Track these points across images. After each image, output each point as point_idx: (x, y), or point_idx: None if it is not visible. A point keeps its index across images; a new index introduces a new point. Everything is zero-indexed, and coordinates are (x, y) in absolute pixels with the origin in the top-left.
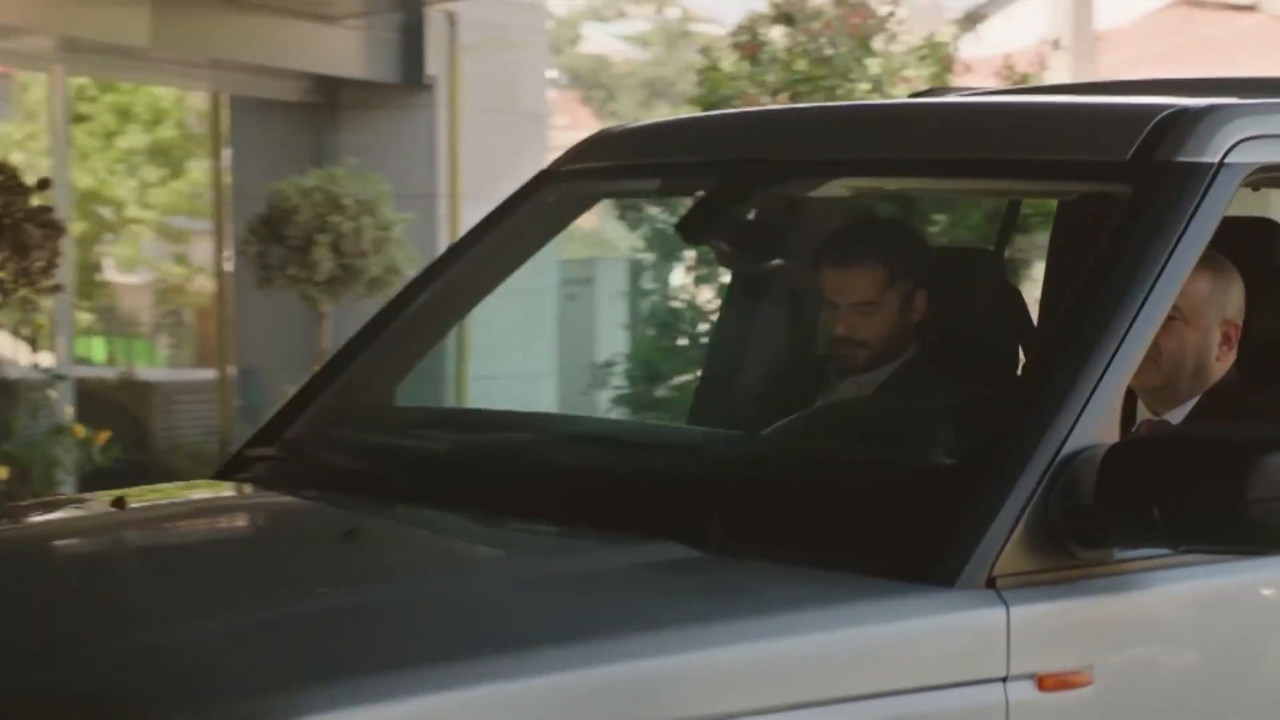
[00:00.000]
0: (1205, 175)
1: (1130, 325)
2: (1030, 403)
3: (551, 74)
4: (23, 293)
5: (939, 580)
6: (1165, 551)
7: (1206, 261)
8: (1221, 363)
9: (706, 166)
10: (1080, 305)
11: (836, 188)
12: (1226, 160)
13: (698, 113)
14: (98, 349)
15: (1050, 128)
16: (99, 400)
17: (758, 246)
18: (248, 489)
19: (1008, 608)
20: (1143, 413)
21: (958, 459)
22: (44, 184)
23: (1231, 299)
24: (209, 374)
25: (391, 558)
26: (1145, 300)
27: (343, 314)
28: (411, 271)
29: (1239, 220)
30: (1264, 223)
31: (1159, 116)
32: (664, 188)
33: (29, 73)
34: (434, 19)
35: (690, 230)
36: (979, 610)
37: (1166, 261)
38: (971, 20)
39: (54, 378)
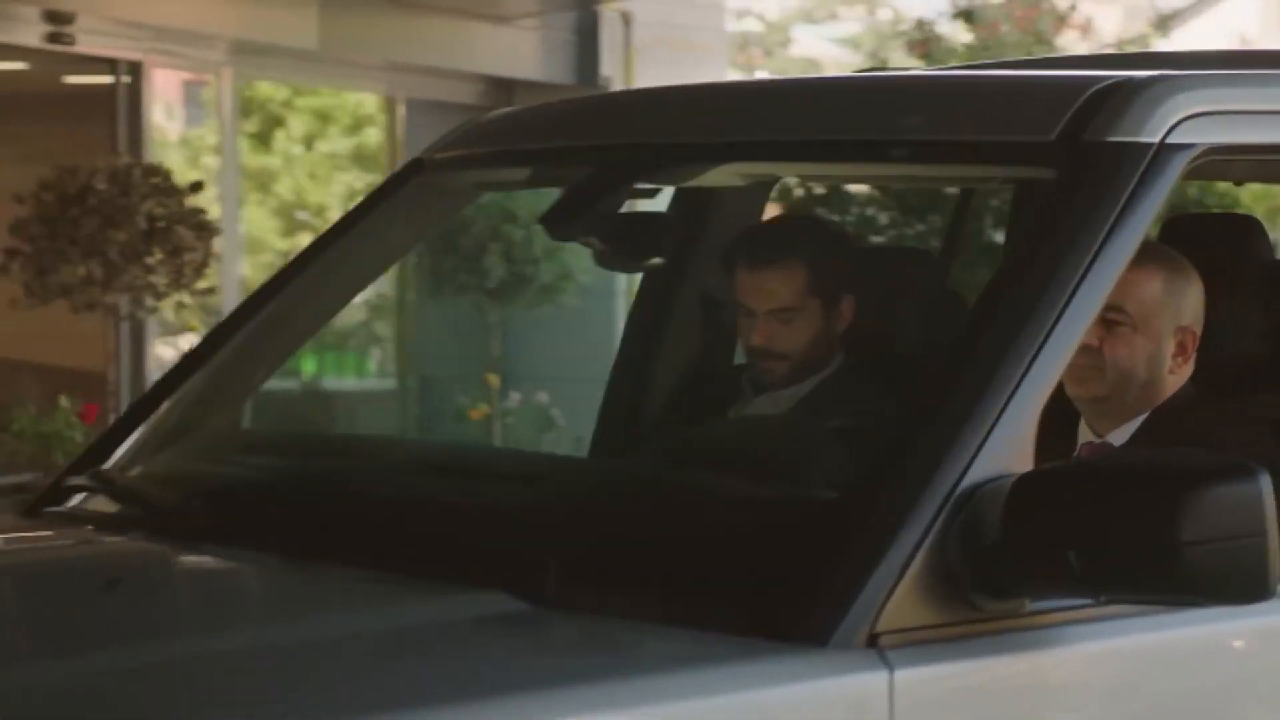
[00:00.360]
0: (1142, 157)
1: (1048, 334)
2: (925, 424)
3: (762, 75)
4: (176, 296)
5: (810, 638)
6: (1085, 602)
7: (1161, 261)
8: (1176, 375)
9: (581, 152)
10: (989, 310)
11: (724, 175)
12: (1169, 140)
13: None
14: (307, 363)
15: (969, 105)
16: (275, 410)
17: (635, 243)
18: (45, 524)
19: (891, 670)
20: (1086, 434)
21: (837, 493)
22: (197, 186)
23: (1188, 304)
24: (389, 384)
25: (152, 613)
26: (1067, 304)
27: (514, 321)
28: (584, 278)
29: (1216, 217)
30: (1242, 220)
31: (1090, 91)
32: (534, 177)
33: (201, 75)
34: (609, 19)
35: (555, 225)
36: (856, 674)
37: (1094, 258)
38: (1166, 21)
39: None
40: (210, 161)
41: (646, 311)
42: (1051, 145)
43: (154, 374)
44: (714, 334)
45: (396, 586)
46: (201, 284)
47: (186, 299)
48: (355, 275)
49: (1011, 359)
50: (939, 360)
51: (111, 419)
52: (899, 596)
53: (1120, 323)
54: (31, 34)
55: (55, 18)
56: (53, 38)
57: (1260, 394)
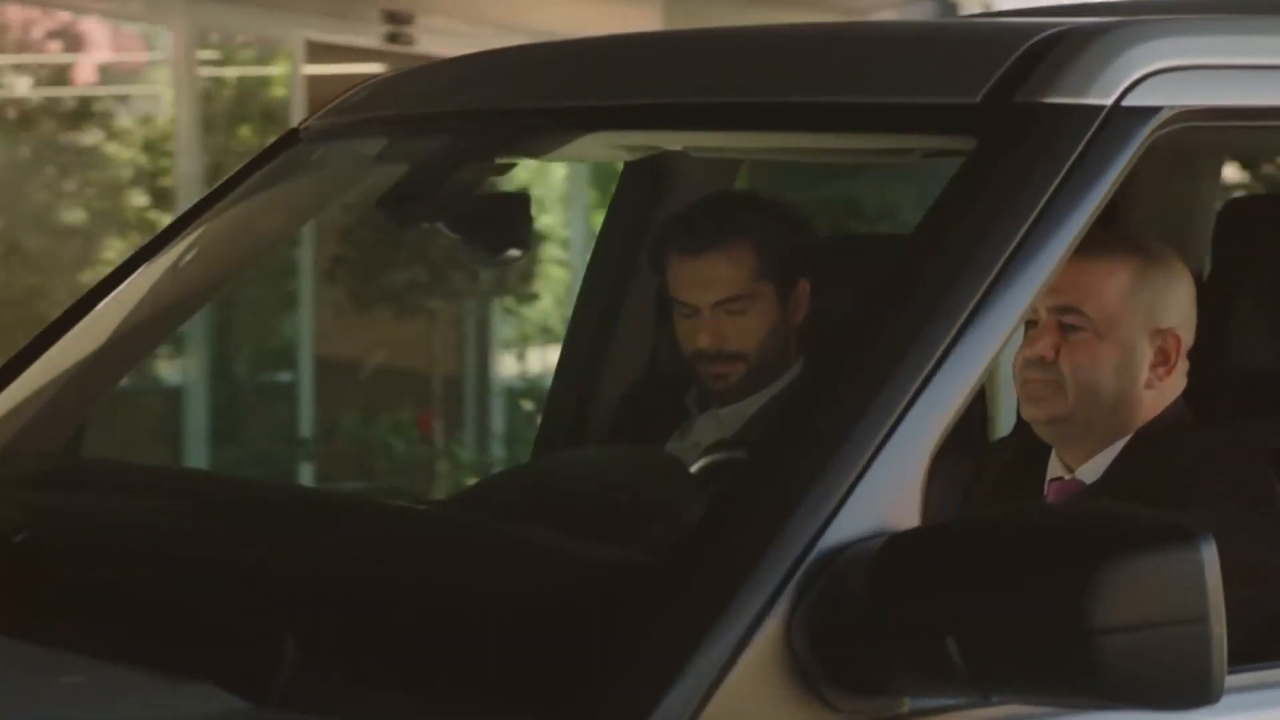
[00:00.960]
0: (1089, 123)
1: (949, 345)
2: (772, 465)
3: None
4: (502, 301)
5: None
6: (973, 702)
7: (1129, 252)
8: (1156, 390)
9: (439, 120)
10: (868, 317)
11: (592, 146)
12: (1126, 102)
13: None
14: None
15: (881, 61)
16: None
17: (490, 230)
18: None
19: None
20: (1056, 468)
21: (650, 556)
22: (522, 193)
23: (1169, 302)
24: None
25: None
26: (979, 307)
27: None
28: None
29: None
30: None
31: (1028, 43)
32: (388, 151)
33: None
34: (969, 10)
35: (395, 207)
36: None
37: (1019, 247)
38: None
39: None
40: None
41: (591, 309)
42: (976, 109)
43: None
44: (667, 337)
45: (95, 680)
46: (527, 289)
47: (512, 304)
48: (210, 268)
49: (894, 379)
50: (802, 382)
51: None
52: (728, 692)
53: (1078, 327)
54: (372, 35)
55: (394, 18)
56: (392, 38)
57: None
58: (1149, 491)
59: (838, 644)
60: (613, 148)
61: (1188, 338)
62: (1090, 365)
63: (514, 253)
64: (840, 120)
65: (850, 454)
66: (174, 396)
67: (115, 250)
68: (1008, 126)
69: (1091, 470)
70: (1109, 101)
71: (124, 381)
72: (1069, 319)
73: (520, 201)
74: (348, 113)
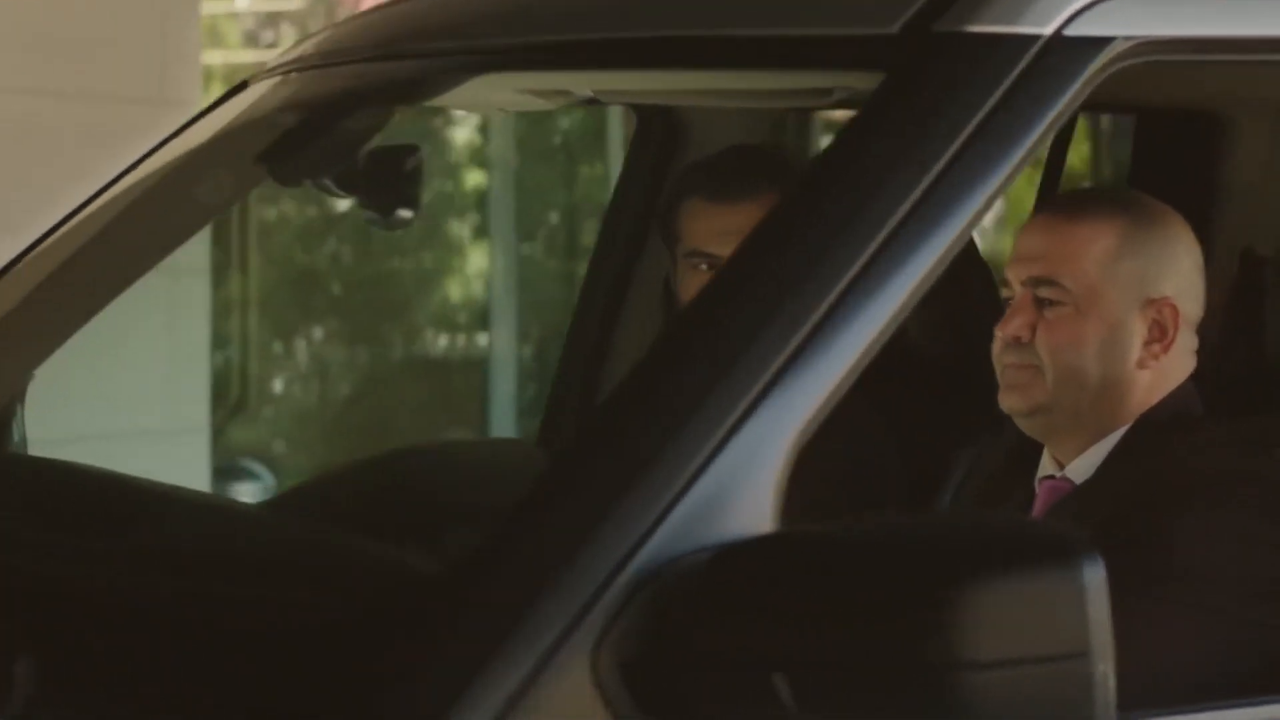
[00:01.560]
0: (1021, 55)
1: (822, 318)
2: (583, 458)
3: None
4: None
5: None
6: None
7: (1112, 210)
8: (1152, 370)
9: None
10: (728, 280)
11: (491, 91)
12: (1068, 31)
13: None
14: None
15: None
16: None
17: (382, 189)
18: None
19: None
20: (1049, 465)
21: (442, 570)
22: None
23: (1164, 267)
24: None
25: None
26: (863, 273)
27: None
28: None
29: None
30: None
31: None
32: (356, 97)
33: None
34: None
35: (279, 165)
36: None
37: (920, 201)
38: None
39: None
40: None
41: (603, 275)
42: (892, 40)
43: None
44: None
45: None
46: None
47: None
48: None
49: (745, 358)
50: (644, 361)
51: None
52: None
53: (1056, 302)
54: None
55: None
56: None
57: None
58: (1144, 494)
59: (652, 676)
60: (514, 94)
61: (1191, 308)
62: (1071, 345)
63: (404, 213)
64: (736, 56)
65: (684, 447)
66: (479, 368)
67: None
68: (923, 60)
69: (1082, 468)
70: (1047, 31)
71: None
72: (1045, 292)
73: (409, 155)
74: (303, 60)
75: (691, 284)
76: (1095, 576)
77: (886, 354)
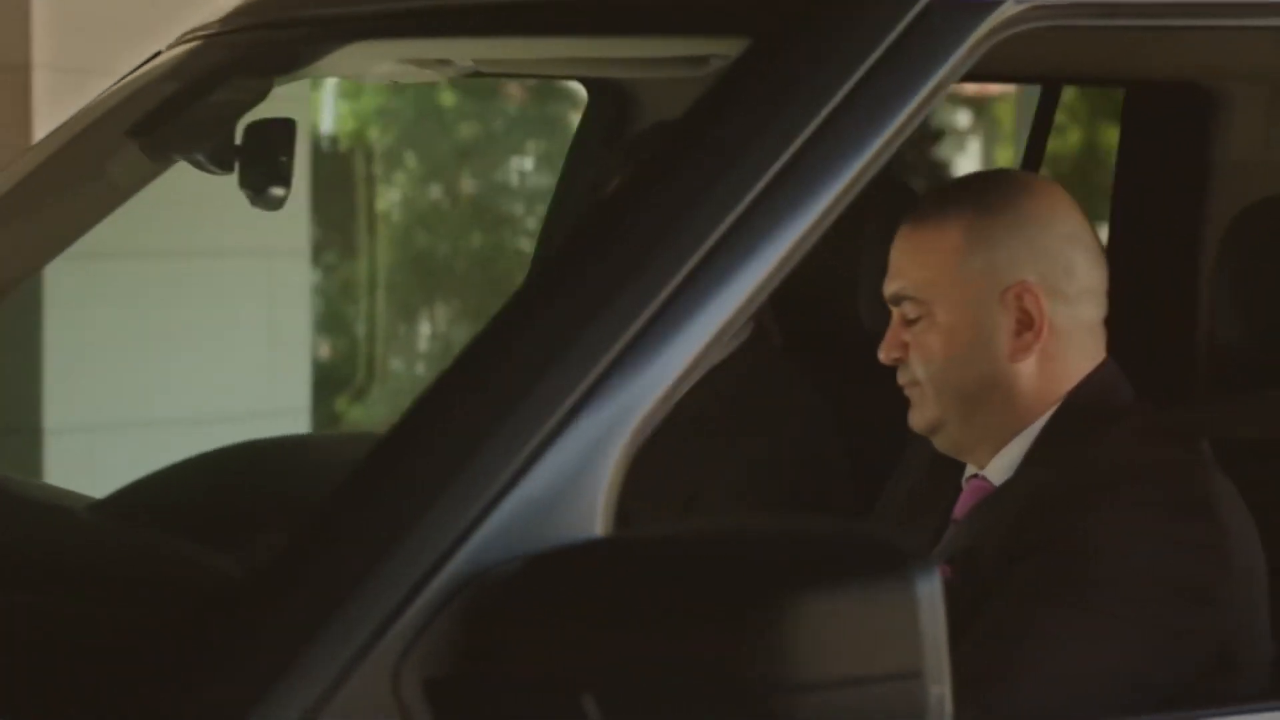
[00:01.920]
0: (897, 18)
1: (659, 310)
2: (392, 454)
3: None
4: None
5: None
6: None
7: (952, 202)
8: (1031, 361)
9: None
10: (558, 263)
11: (359, 61)
12: None
13: None
14: None
15: None
16: None
17: (256, 165)
18: None
19: None
20: (973, 464)
21: (241, 580)
22: None
23: (1017, 251)
24: None
25: None
26: (708, 258)
27: None
28: None
29: None
30: None
31: None
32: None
33: None
34: None
35: (148, 138)
36: None
37: (775, 181)
38: None
39: None
40: None
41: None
42: (748, 4)
43: None
44: None
45: None
46: None
47: None
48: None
49: (570, 352)
50: (463, 354)
51: None
52: None
53: (916, 317)
54: None
55: None
56: None
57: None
58: (1057, 492)
59: (458, 694)
60: (395, 64)
61: (1070, 285)
62: (937, 355)
63: (277, 190)
64: (605, 21)
65: (502, 447)
66: None
67: None
68: (785, 23)
69: (1001, 467)
70: None
71: None
72: (906, 309)
73: (282, 130)
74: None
75: None
76: (929, 589)
77: (836, 342)
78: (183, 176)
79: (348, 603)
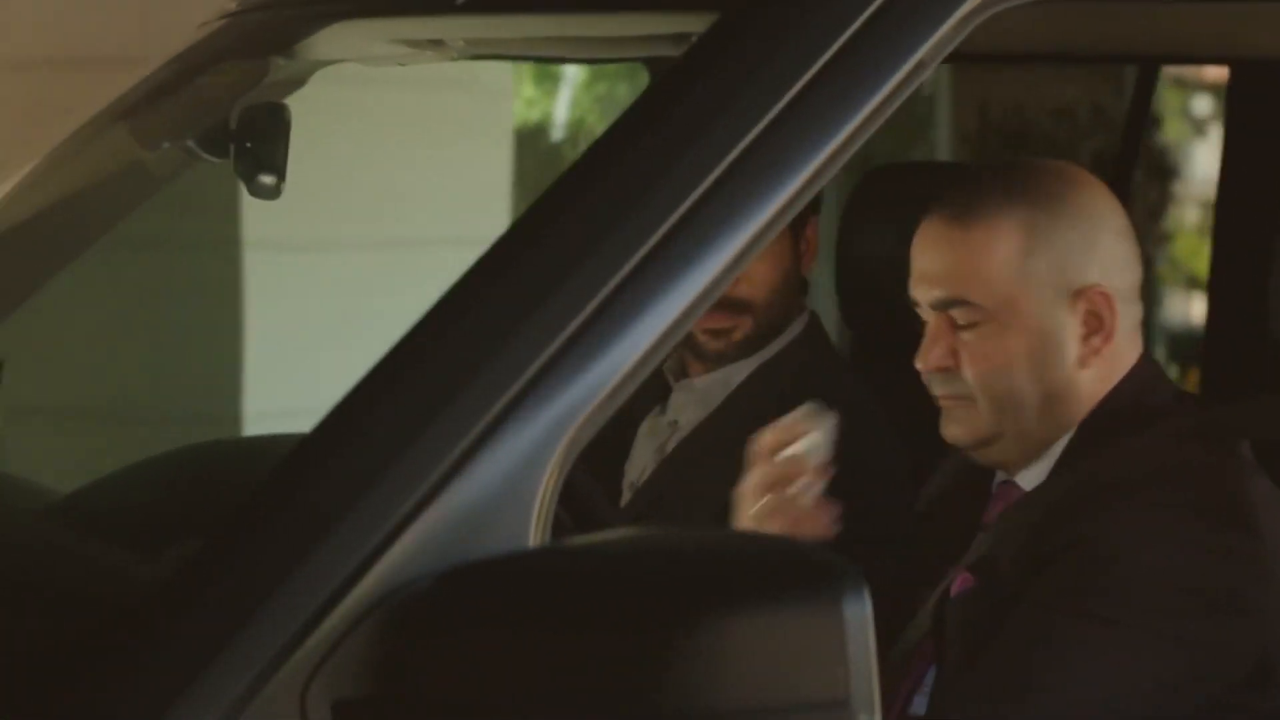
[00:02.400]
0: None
1: (601, 306)
2: (303, 464)
3: None
4: None
5: None
6: None
7: (1009, 200)
8: (1095, 367)
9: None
10: (493, 262)
11: (349, 42)
12: None
13: None
14: None
15: None
16: None
17: (247, 150)
18: None
19: None
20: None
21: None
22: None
23: (1082, 250)
24: None
25: None
26: (659, 248)
27: None
28: None
29: None
30: None
31: None
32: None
33: None
34: None
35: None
36: None
37: (737, 164)
38: None
39: None
40: None
41: None
42: None
43: None
44: None
45: None
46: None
47: None
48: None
49: (502, 354)
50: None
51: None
52: None
53: (971, 323)
54: None
55: None
56: None
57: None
58: (1086, 497)
59: (367, 717)
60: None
61: (1124, 281)
62: (1000, 367)
63: (266, 179)
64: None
65: (424, 455)
66: None
67: None
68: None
69: (1034, 473)
70: None
71: None
72: (957, 315)
73: (274, 115)
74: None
75: None
76: (859, 610)
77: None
78: (377, 167)
79: (254, 619)
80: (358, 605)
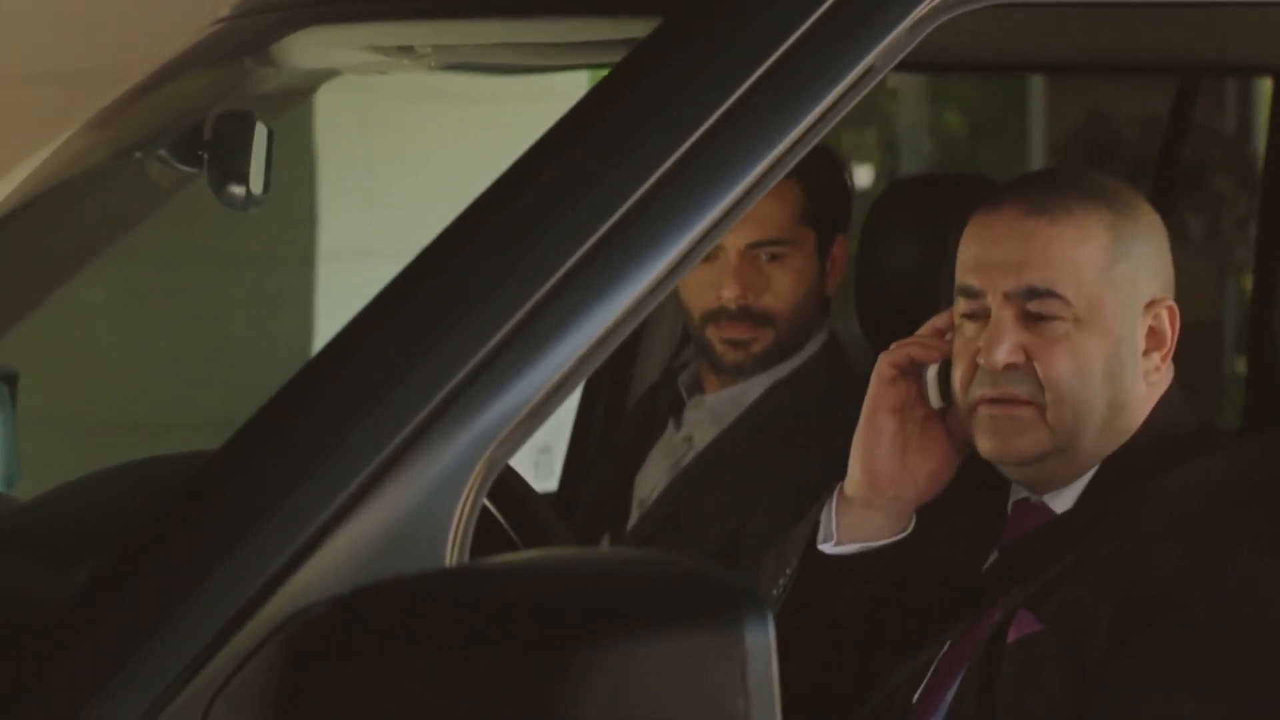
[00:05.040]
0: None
1: (527, 316)
2: (211, 480)
3: None
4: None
5: None
6: None
7: (1093, 199)
8: (1154, 385)
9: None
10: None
11: (319, 48)
12: None
13: None
14: None
15: None
16: None
17: (228, 161)
18: None
19: None
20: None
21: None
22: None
23: (1154, 262)
24: None
25: None
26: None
27: None
28: None
29: None
30: None
31: None
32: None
33: None
34: None
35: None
36: None
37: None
38: None
39: None
40: None
41: None
42: None
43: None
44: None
45: None
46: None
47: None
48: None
49: (419, 365)
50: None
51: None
52: None
53: (1053, 316)
54: None
55: None
56: None
57: None
58: (1133, 527)
59: None
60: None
61: (1169, 298)
62: (1078, 370)
63: (236, 189)
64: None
65: (341, 467)
66: None
67: None
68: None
69: (1066, 495)
70: None
71: None
72: (1038, 306)
73: (242, 122)
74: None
75: (691, 277)
76: (760, 636)
77: None
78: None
79: (152, 641)
80: (263, 627)
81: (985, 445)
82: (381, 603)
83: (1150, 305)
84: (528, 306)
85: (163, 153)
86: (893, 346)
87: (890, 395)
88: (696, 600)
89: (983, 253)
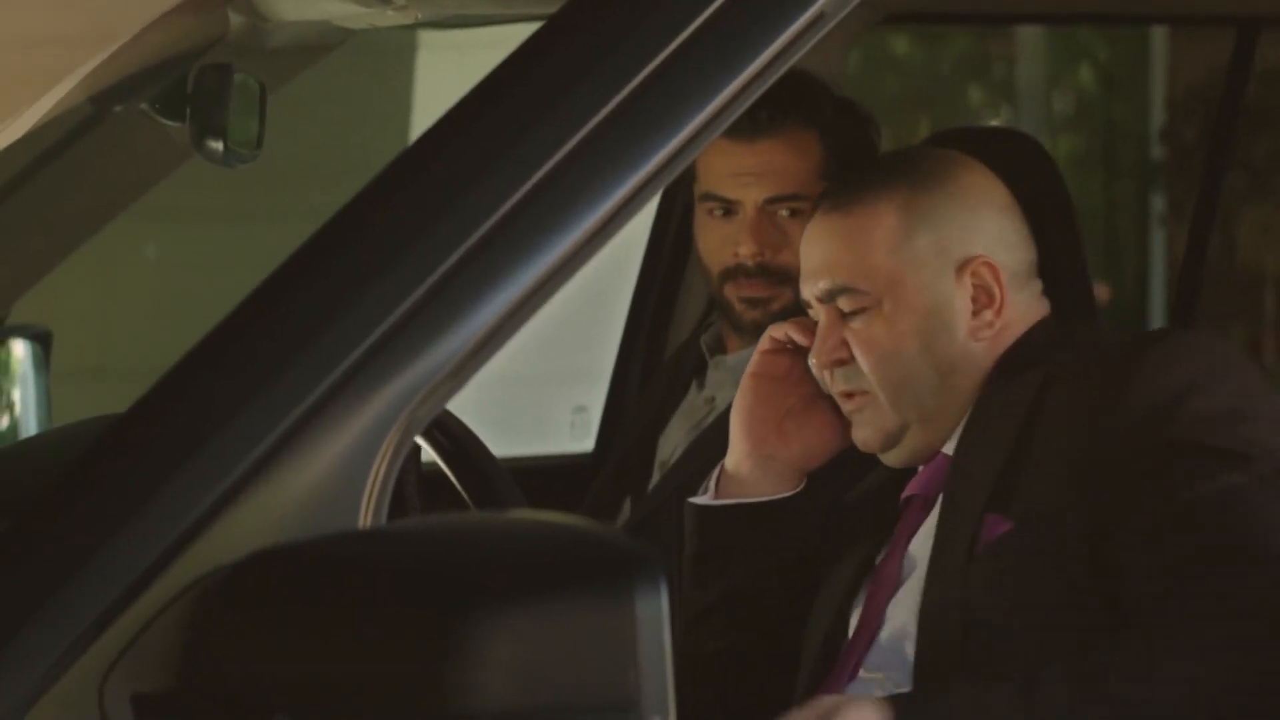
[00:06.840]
0: None
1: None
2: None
3: None
4: None
5: None
6: None
7: (885, 184)
8: (990, 338)
9: None
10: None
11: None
12: None
13: None
14: None
15: None
16: None
17: (207, 114)
18: None
19: None
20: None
21: None
22: None
23: (964, 224)
24: None
25: None
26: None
27: None
28: None
29: None
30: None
31: None
32: None
33: None
34: None
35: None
36: None
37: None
38: None
39: None
40: None
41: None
42: None
43: None
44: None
45: None
46: None
47: None
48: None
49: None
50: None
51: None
52: None
53: (858, 309)
54: None
55: None
56: None
57: None
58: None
59: (168, 711)
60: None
61: (1013, 256)
62: (892, 349)
63: (214, 143)
64: None
65: (247, 427)
66: None
67: None
68: None
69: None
70: None
71: None
72: (844, 303)
73: (221, 75)
74: None
75: (706, 231)
76: (652, 607)
77: None
78: None
79: (47, 608)
80: (164, 593)
81: (855, 437)
82: (281, 566)
83: (963, 267)
84: (444, 268)
85: (144, 107)
86: (778, 324)
87: (768, 364)
88: (589, 566)
89: (803, 264)
